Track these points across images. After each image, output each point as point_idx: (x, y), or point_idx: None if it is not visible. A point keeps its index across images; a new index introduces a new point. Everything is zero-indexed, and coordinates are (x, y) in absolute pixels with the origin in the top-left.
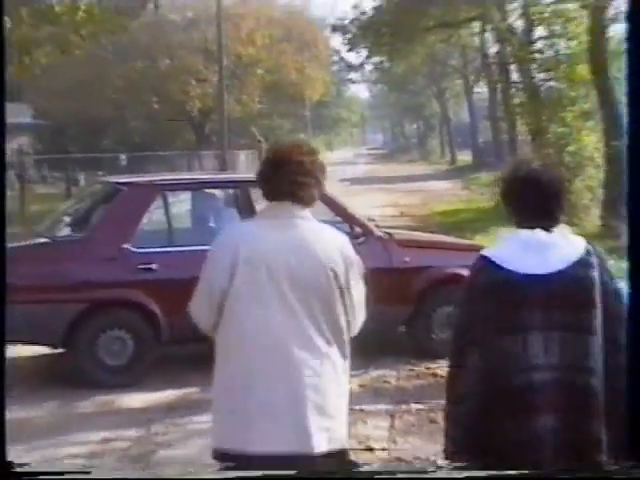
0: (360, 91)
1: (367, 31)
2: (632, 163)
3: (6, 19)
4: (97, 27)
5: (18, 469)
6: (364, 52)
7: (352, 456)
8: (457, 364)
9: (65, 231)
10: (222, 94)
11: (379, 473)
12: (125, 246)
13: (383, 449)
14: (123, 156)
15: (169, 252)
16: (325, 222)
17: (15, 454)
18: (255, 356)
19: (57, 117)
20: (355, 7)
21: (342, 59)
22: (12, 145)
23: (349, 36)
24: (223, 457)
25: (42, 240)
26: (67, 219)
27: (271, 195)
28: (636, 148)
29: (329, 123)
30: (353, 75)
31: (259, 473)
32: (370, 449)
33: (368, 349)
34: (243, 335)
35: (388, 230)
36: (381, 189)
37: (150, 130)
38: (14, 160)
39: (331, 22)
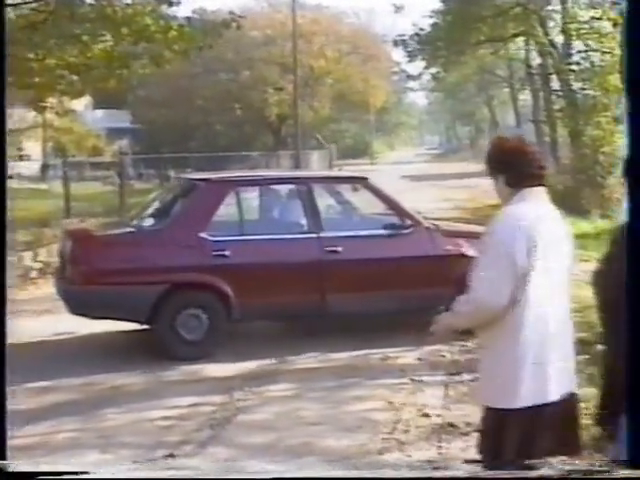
0: (418, 98)
1: (424, 45)
2: (632, 162)
3: (107, 36)
4: (187, 44)
5: (16, 469)
6: (422, 64)
7: (410, 422)
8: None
9: (149, 222)
10: (296, 101)
11: None
12: (202, 235)
13: (438, 415)
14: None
15: (241, 240)
16: (377, 214)
17: (111, 415)
18: (547, 325)
19: (152, 122)
20: (414, 25)
21: (402, 70)
22: (114, 147)
23: (409, 49)
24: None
25: (129, 229)
26: (151, 211)
27: (523, 180)
28: (636, 148)
29: (390, 126)
30: (412, 84)
31: None
32: (426, 415)
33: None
34: (539, 306)
35: (434, 222)
36: (436, 185)
37: (233, 133)
38: (115, 160)
39: (392, 38)
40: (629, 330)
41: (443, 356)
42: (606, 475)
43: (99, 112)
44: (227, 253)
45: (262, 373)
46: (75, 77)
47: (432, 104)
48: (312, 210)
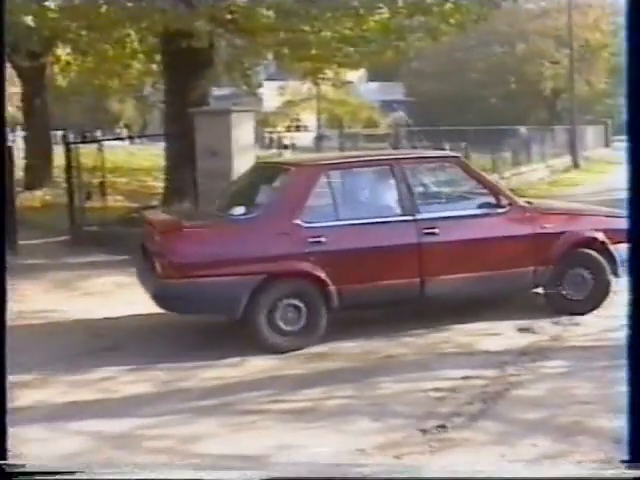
0: None
1: None
2: (632, 163)
3: (384, 9)
4: (463, 17)
5: (15, 469)
6: None
7: None
8: None
9: (239, 210)
10: (572, 75)
11: None
12: (296, 221)
13: None
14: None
15: (336, 226)
16: (471, 193)
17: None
18: None
19: (426, 95)
20: None
21: None
22: (387, 119)
23: None
24: None
25: (221, 219)
26: (236, 199)
27: None
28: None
29: None
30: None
31: None
32: None
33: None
34: None
35: (529, 200)
36: None
37: (507, 107)
38: (390, 132)
39: None
40: (630, 329)
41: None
42: (607, 475)
43: (373, 85)
44: (323, 239)
45: (535, 349)
46: (351, 49)
47: None
48: (406, 191)
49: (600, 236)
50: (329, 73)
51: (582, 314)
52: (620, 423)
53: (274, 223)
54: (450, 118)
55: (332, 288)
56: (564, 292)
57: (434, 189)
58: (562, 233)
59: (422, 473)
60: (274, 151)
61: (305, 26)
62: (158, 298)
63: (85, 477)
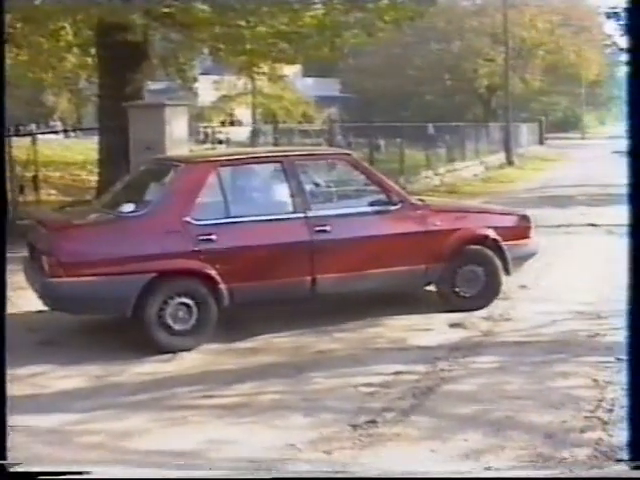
0: None
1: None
2: (632, 163)
3: (318, 5)
4: (399, 13)
5: (17, 469)
6: None
7: (614, 401)
8: None
9: (129, 207)
10: (507, 73)
11: None
12: (186, 219)
13: None
14: (430, 126)
15: (226, 223)
16: (363, 191)
17: (317, 379)
18: None
19: (363, 91)
20: None
21: (615, 43)
22: (323, 115)
23: (622, 22)
24: None
25: (109, 216)
26: (126, 195)
27: None
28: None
29: (602, 101)
30: (625, 57)
31: None
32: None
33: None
34: None
35: (422, 198)
36: None
37: (444, 104)
38: (324, 127)
39: (605, 9)
40: (630, 329)
41: None
42: (607, 474)
43: (309, 80)
44: (213, 237)
45: (467, 345)
46: (287, 45)
47: None
48: (298, 189)
49: (491, 233)
50: (265, 68)
51: (473, 310)
52: (551, 418)
53: (163, 220)
54: (387, 114)
55: (223, 286)
56: (456, 289)
57: (326, 187)
58: (454, 230)
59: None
60: (209, 145)
61: (241, 21)
62: (46, 298)
63: (85, 477)
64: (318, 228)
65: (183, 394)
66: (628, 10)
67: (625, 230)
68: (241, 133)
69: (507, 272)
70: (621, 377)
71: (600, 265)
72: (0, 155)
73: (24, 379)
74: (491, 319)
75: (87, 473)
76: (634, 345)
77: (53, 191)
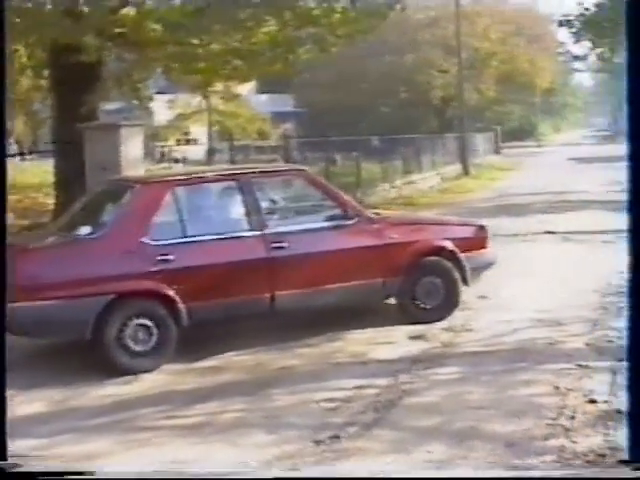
0: (584, 79)
1: (590, 26)
2: (633, 163)
3: (272, 21)
4: (351, 28)
5: (17, 469)
6: (588, 44)
7: (576, 408)
8: None
9: (85, 230)
10: (461, 84)
11: None
12: (143, 240)
13: (605, 402)
14: (375, 138)
15: (183, 243)
16: (319, 206)
17: (278, 395)
18: None
19: (317, 105)
20: (579, 4)
21: (568, 51)
22: (279, 130)
23: (574, 30)
24: None
25: (66, 239)
26: (82, 218)
27: None
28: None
29: (556, 108)
30: (578, 65)
31: None
32: (593, 401)
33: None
34: None
35: (378, 211)
36: (604, 167)
37: (398, 116)
38: (280, 143)
39: (557, 18)
40: (629, 334)
41: (611, 341)
42: (607, 475)
43: (263, 96)
44: (170, 257)
45: (427, 357)
46: (240, 62)
47: (598, 85)
48: (254, 206)
49: (449, 245)
50: (219, 86)
51: (433, 322)
52: (513, 427)
53: (120, 242)
54: (342, 128)
55: (181, 306)
56: (416, 301)
57: (282, 203)
58: (411, 243)
59: None
60: (165, 165)
61: (193, 39)
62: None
63: (85, 477)
64: (275, 245)
65: (145, 415)
66: (628, 10)
67: (582, 237)
68: (197, 151)
69: (465, 283)
70: (582, 384)
71: (558, 272)
72: (1, 156)
73: None
74: (452, 330)
75: (88, 473)
76: (634, 349)
77: (10, 215)
